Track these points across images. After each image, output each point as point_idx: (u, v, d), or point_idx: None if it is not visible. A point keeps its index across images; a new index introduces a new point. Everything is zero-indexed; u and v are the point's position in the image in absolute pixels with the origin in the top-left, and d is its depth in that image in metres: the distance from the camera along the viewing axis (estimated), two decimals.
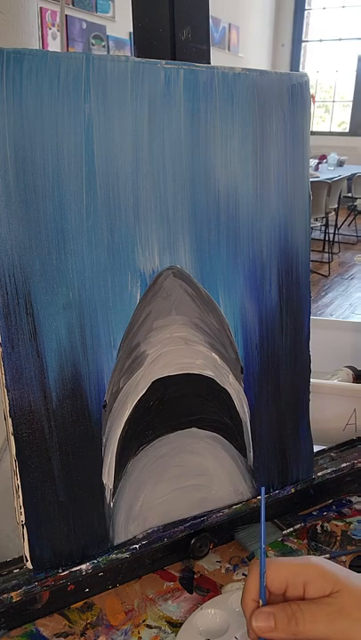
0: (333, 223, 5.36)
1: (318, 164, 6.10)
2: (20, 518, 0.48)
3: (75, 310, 0.48)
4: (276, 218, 0.58)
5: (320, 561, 0.42)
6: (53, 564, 0.50)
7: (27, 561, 0.49)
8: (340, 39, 7.88)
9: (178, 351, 0.54)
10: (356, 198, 5.88)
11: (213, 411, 0.57)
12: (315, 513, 0.68)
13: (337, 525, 0.66)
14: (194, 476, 0.57)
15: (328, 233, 5.15)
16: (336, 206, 5.17)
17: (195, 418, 0.56)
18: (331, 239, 5.19)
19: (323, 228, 5.17)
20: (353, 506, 0.70)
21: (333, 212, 5.21)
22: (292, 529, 0.65)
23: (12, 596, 0.49)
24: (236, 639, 0.50)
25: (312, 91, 0.60)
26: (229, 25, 6.78)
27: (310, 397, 0.64)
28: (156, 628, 0.52)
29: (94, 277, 0.49)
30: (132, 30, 0.53)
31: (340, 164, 6.25)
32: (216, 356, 0.56)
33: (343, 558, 0.61)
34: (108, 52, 5.00)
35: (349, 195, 5.85)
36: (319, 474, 0.66)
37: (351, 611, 0.40)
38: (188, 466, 0.57)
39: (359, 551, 0.62)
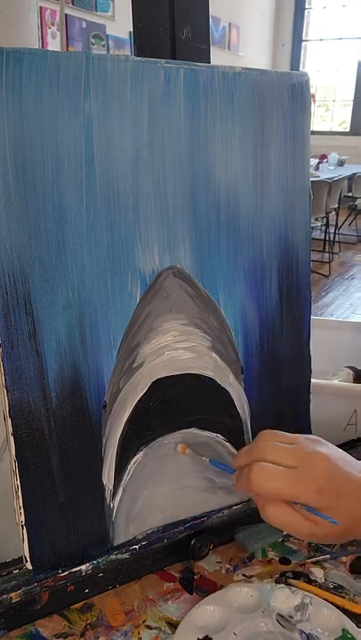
0: (334, 223, 5.36)
1: (319, 163, 6.10)
2: (20, 519, 0.48)
3: (74, 310, 0.48)
4: (276, 217, 0.58)
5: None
6: (53, 564, 0.50)
7: (26, 561, 0.49)
8: (340, 38, 7.87)
9: (178, 351, 0.54)
10: (357, 198, 5.88)
11: (213, 411, 0.57)
12: None
13: None
14: (194, 476, 0.57)
15: (328, 233, 5.15)
16: (337, 206, 5.17)
17: (195, 418, 0.56)
18: (331, 239, 5.19)
19: (323, 228, 5.17)
20: None
21: (334, 212, 5.21)
22: None
23: (11, 597, 0.49)
24: (234, 635, 0.49)
25: (312, 90, 0.60)
26: (229, 24, 6.78)
27: (311, 398, 0.64)
28: (156, 628, 0.52)
29: (94, 277, 0.49)
30: (131, 29, 0.53)
31: (341, 163, 6.25)
32: (216, 356, 0.56)
33: (343, 559, 0.61)
34: (108, 52, 5.00)
35: (350, 194, 5.84)
36: None
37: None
38: (188, 466, 0.56)
39: (360, 552, 0.62)
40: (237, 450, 0.59)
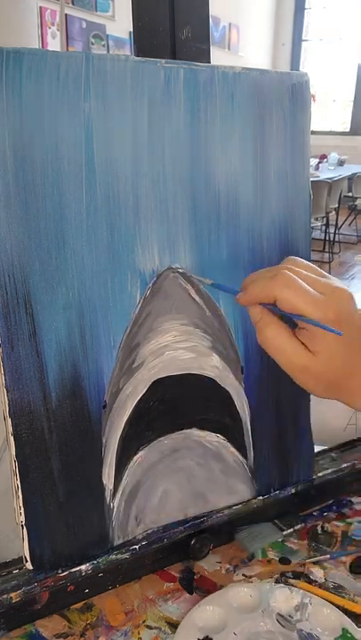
0: (334, 223, 5.35)
1: (319, 163, 6.09)
2: (20, 519, 0.48)
3: (74, 310, 0.48)
4: (276, 217, 0.58)
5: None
6: (53, 564, 0.50)
7: (26, 561, 0.49)
8: (340, 38, 7.86)
9: (178, 351, 0.54)
10: (357, 198, 5.87)
11: (214, 411, 0.57)
12: (315, 513, 0.68)
13: (337, 526, 0.66)
14: (194, 476, 0.57)
15: (329, 233, 5.14)
16: (337, 206, 5.16)
17: (195, 418, 0.56)
18: (331, 239, 5.18)
19: (323, 228, 5.16)
20: (353, 506, 0.70)
21: (334, 212, 5.20)
22: (292, 529, 0.65)
23: (11, 597, 0.49)
24: (234, 635, 0.50)
25: (312, 90, 0.60)
26: (229, 24, 6.77)
27: (311, 397, 0.64)
28: (155, 628, 0.52)
29: (94, 277, 0.49)
30: (131, 29, 0.53)
31: (341, 163, 6.24)
32: (216, 356, 0.56)
33: (343, 559, 0.61)
34: (108, 52, 4.99)
35: (350, 194, 5.83)
36: (320, 474, 0.66)
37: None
38: (189, 466, 0.56)
39: (360, 552, 0.62)
40: (237, 450, 0.59)
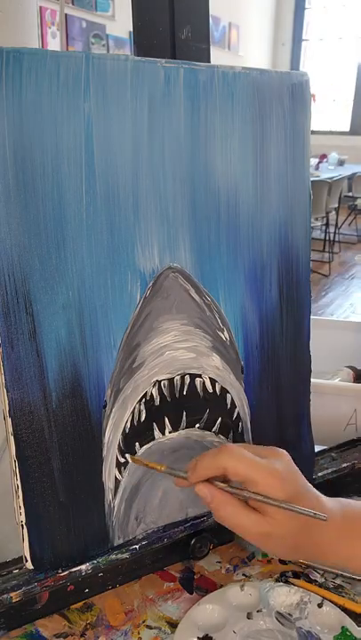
0: (334, 222, 5.35)
1: (319, 163, 6.10)
2: (20, 518, 0.48)
3: (74, 310, 0.48)
4: (276, 217, 0.58)
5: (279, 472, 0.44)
6: (53, 564, 0.50)
7: (26, 561, 0.49)
8: (340, 38, 7.87)
9: (178, 351, 0.54)
10: (357, 197, 5.87)
11: (214, 411, 0.57)
12: None
13: None
14: None
15: (329, 232, 5.14)
16: (337, 206, 5.17)
17: (195, 418, 0.56)
18: (331, 239, 5.19)
19: (323, 228, 5.17)
20: None
21: (334, 212, 5.21)
22: None
23: (11, 597, 0.49)
24: (234, 633, 0.50)
25: (312, 90, 0.60)
26: (229, 24, 6.77)
27: (311, 397, 0.64)
28: (155, 628, 0.52)
29: (94, 277, 0.49)
30: (131, 29, 0.53)
31: (341, 163, 6.25)
32: (216, 356, 0.56)
33: None
34: (108, 51, 4.99)
35: (350, 194, 5.84)
36: (320, 474, 0.66)
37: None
38: None
39: None
40: None
